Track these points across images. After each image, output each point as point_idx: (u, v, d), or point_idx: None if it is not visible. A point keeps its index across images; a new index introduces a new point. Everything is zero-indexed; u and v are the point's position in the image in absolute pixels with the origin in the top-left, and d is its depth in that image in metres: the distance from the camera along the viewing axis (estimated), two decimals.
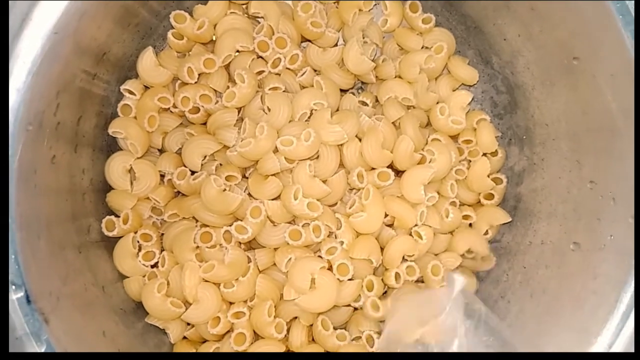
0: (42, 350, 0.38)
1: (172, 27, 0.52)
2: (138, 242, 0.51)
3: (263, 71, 0.52)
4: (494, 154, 0.56)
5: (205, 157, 0.51)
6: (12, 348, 0.37)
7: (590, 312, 0.43)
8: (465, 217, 0.55)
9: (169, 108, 0.52)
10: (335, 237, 0.50)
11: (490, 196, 0.55)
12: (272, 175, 0.50)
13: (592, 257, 0.45)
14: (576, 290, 0.46)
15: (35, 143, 0.40)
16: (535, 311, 0.49)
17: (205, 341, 0.51)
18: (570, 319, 0.45)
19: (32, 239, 0.39)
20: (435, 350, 0.44)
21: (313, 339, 0.51)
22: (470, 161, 0.55)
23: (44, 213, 0.41)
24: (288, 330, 0.50)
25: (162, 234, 0.52)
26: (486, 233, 0.55)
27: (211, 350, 0.50)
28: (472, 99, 0.56)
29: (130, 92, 0.51)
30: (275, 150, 0.49)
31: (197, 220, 0.51)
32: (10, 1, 0.36)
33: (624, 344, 0.41)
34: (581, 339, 0.43)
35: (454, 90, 0.55)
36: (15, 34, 0.37)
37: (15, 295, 0.37)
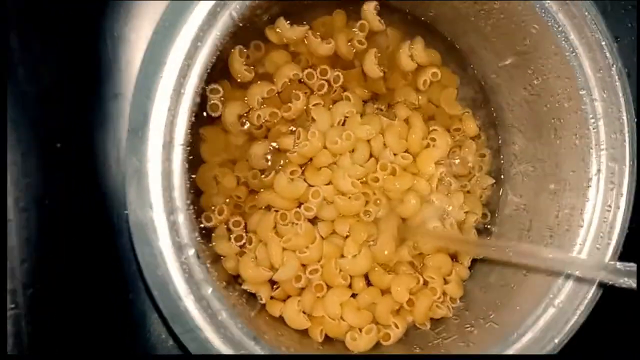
0: None
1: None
2: (228, 229, 0.67)
3: (306, 92, 0.69)
4: (478, 136, 0.75)
5: (268, 160, 0.68)
6: None
7: None
8: (463, 186, 0.74)
9: None
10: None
11: (480, 168, 0.75)
12: (324, 167, 0.68)
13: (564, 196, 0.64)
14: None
15: None
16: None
17: (288, 297, 0.67)
18: None
19: None
20: None
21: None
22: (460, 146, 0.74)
23: None
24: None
25: (245, 223, 0.68)
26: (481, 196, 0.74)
27: (295, 304, 0.66)
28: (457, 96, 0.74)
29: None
30: (324, 148, 0.67)
31: (270, 207, 0.68)
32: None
33: None
34: None
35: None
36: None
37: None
